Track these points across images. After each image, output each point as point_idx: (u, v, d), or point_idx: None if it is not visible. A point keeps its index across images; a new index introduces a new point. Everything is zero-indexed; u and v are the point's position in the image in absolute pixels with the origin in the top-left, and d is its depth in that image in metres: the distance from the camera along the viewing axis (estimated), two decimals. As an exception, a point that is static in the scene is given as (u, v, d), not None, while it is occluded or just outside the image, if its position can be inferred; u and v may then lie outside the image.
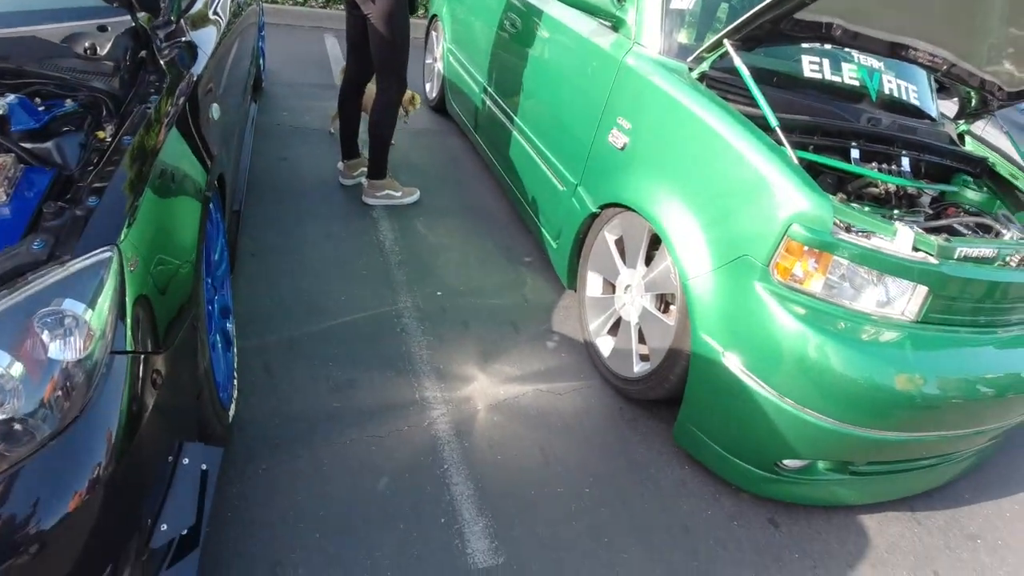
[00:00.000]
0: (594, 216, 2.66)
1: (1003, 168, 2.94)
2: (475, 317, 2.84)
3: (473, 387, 2.44)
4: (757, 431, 2.04)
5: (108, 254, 1.24)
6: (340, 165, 3.75)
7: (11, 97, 1.56)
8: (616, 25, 2.66)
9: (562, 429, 2.35)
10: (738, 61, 2.17)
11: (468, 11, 4.35)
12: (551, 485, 2.13)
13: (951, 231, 2.46)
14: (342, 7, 7.49)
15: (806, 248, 1.85)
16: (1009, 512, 2.73)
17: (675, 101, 2.26)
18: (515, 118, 3.45)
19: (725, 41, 2.20)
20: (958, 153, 2.86)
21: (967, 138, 3.10)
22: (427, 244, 3.33)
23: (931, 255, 1.94)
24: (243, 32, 3.25)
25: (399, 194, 3.60)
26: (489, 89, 3.85)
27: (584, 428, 2.38)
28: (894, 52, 2.46)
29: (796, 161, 1.96)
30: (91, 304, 1.19)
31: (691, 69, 2.37)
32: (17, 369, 1.12)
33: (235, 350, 2.25)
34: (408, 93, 3.81)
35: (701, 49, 2.31)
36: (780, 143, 2.04)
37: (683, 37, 2.52)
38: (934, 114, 3.07)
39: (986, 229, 2.50)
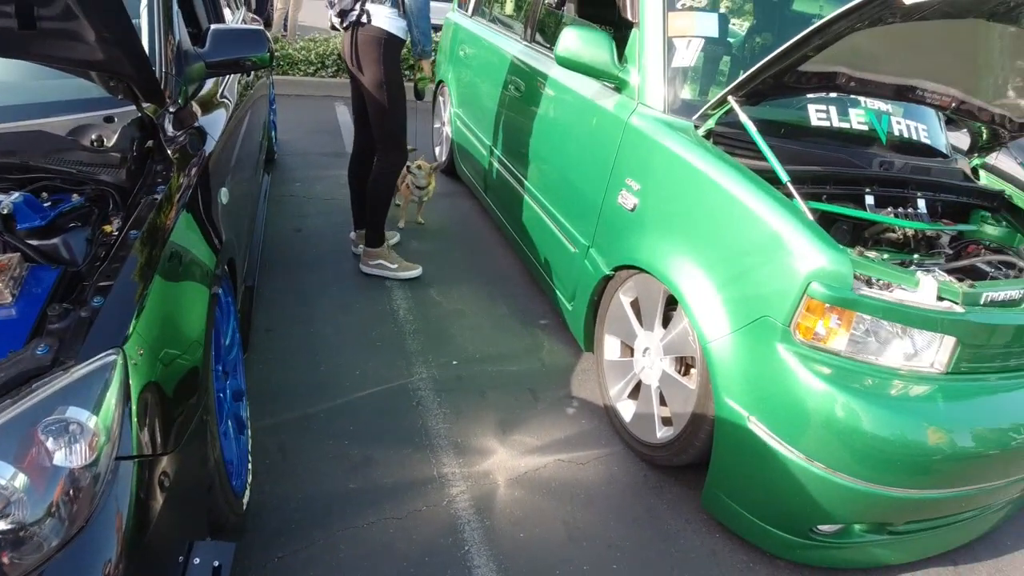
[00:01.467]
0: (608, 278, 2.62)
1: (1021, 200, 2.88)
2: (492, 385, 2.79)
3: (493, 460, 2.37)
4: (788, 497, 1.96)
5: (113, 357, 1.22)
6: (352, 235, 3.76)
7: (16, 195, 1.56)
8: (619, 86, 2.67)
9: (586, 501, 2.27)
10: (744, 117, 2.16)
11: (473, 76, 4.42)
12: (577, 562, 2.04)
13: (974, 270, 2.40)
14: (351, 75, 7.72)
15: (827, 306, 1.80)
16: (1055, 560, 2.59)
17: (682, 160, 2.25)
18: (524, 180, 3.46)
19: (729, 98, 2.19)
20: (974, 189, 2.81)
21: (981, 172, 3.05)
22: (441, 310, 3.31)
23: (956, 303, 1.88)
24: (253, 107, 3.30)
25: (394, 266, 3.50)
26: (496, 152, 3.88)
27: (609, 499, 2.30)
28: (901, 95, 2.44)
29: (809, 215, 1.92)
30: (96, 410, 1.17)
31: (697, 127, 2.36)
32: (21, 480, 1.09)
33: (249, 432, 2.21)
34: (419, 163, 3.87)
35: (706, 107, 2.30)
36: (792, 197, 2.00)
37: (687, 94, 2.52)
38: (946, 151, 3.04)
39: (1010, 266, 2.44)
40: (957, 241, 2.68)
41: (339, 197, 4.47)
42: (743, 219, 2.00)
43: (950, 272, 2.41)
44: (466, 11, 4.93)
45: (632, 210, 2.46)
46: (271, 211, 4.10)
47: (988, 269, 2.45)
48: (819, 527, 2.00)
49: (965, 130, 3.20)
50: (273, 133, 5.02)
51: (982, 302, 1.93)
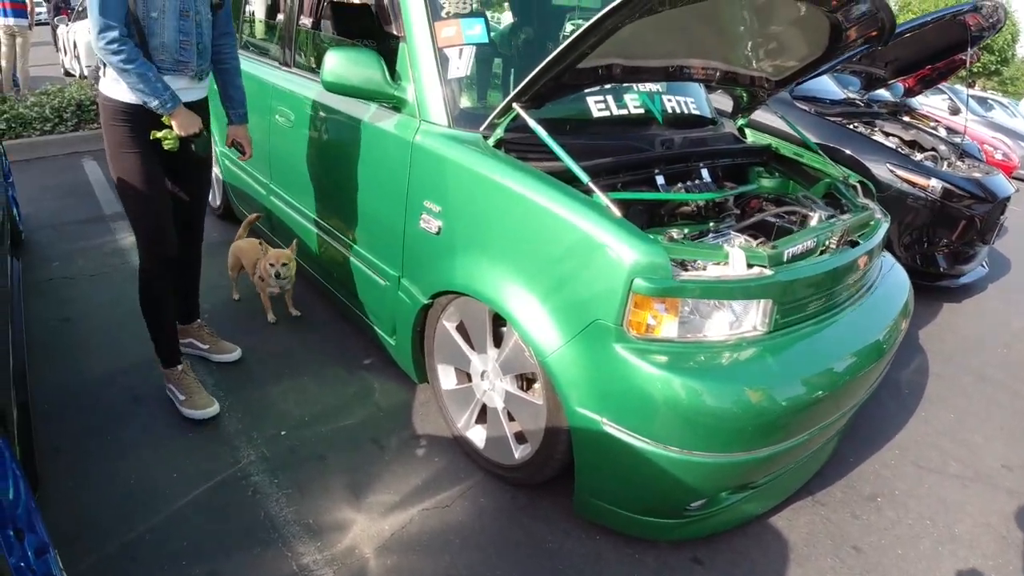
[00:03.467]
0: (427, 307, 2.49)
1: (787, 149, 3.14)
2: (330, 447, 2.56)
3: (353, 533, 2.17)
4: (655, 486, 1.97)
5: None
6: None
7: None
8: (397, 105, 2.54)
9: (462, 544, 2.15)
10: (532, 122, 2.12)
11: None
12: (468, 614, 1.92)
13: (764, 225, 2.57)
14: (96, 126, 6.88)
15: (653, 299, 1.81)
16: (892, 459, 2.88)
17: (478, 174, 2.17)
18: (315, 217, 3.23)
19: (514, 104, 2.14)
20: (745, 149, 3.01)
21: (747, 131, 3.29)
22: (253, 377, 3.00)
23: (765, 267, 1.96)
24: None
25: (182, 398, 2.67)
26: (277, 189, 3.59)
27: (484, 533, 2.20)
28: (672, 75, 2.54)
29: (616, 211, 1.91)
30: None
31: (486, 137, 2.29)
32: None
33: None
34: (273, 252, 3.29)
35: (492, 116, 2.24)
36: (592, 194, 1.99)
37: (469, 105, 2.44)
38: (712, 116, 3.24)
39: (792, 212, 2.63)
40: (741, 199, 2.85)
41: (107, 270, 3.95)
42: (552, 226, 1.96)
43: (743, 231, 2.55)
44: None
45: (438, 233, 2.35)
46: (29, 304, 3.52)
47: (774, 220, 2.63)
48: (690, 505, 2.04)
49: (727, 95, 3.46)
50: (16, 210, 4.31)
51: (786, 259, 2.04)
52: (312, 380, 2.98)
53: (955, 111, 9.99)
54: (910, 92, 6.10)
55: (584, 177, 1.99)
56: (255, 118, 3.58)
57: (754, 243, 2.44)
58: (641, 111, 2.71)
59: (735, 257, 1.93)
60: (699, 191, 2.57)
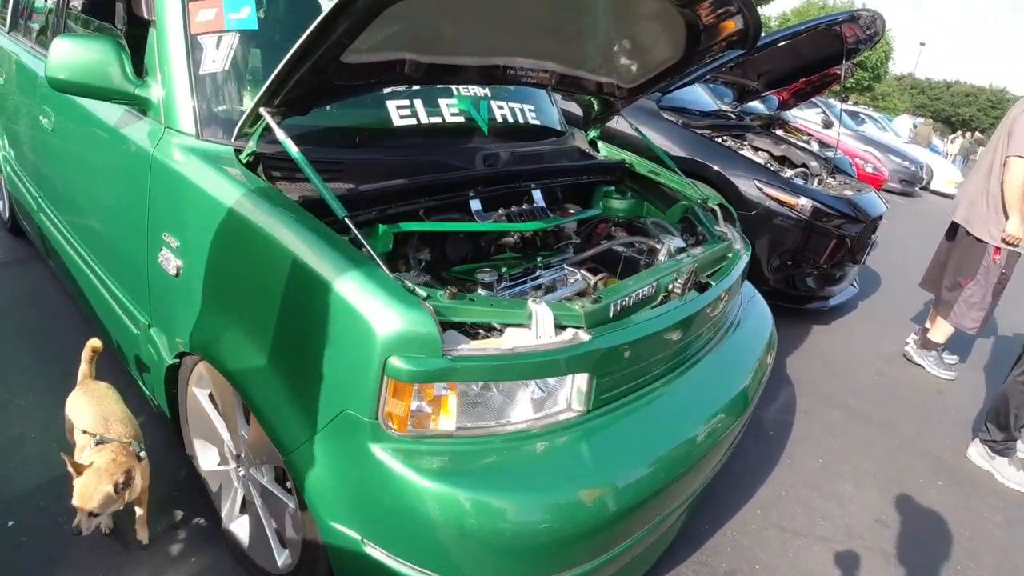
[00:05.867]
0: (176, 367, 1.93)
1: (642, 167, 2.75)
2: (69, 539, 1.94)
3: None
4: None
5: None
6: None
7: None
8: (143, 107, 1.95)
9: None
10: (280, 133, 1.59)
11: (13, 104, 3.32)
12: None
13: (609, 258, 2.16)
14: None
15: (416, 385, 1.32)
16: (753, 523, 2.54)
17: (215, 202, 1.62)
18: (73, 240, 2.58)
19: (262, 110, 1.61)
20: (592, 166, 2.60)
21: (600, 144, 2.89)
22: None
23: (581, 329, 1.52)
24: None
25: None
26: (43, 203, 2.91)
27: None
28: (488, 77, 2.07)
29: (380, 263, 1.41)
30: None
31: (240, 151, 1.75)
32: None
33: None
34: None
35: (240, 124, 1.70)
36: (351, 236, 1.48)
37: (224, 110, 1.89)
38: (561, 127, 2.81)
39: (642, 241, 2.24)
40: (584, 224, 2.43)
41: None
42: (295, 277, 1.45)
43: (581, 265, 2.13)
44: (3, 25, 3.73)
45: (176, 275, 1.79)
46: None
47: (622, 250, 2.22)
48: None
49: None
50: None
51: (612, 315, 1.61)
52: (62, 445, 2.32)
53: (828, 124, 10.14)
54: (784, 105, 5.94)
55: (339, 209, 1.48)
56: (27, 116, 2.90)
57: (592, 280, 2.02)
58: (460, 119, 2.23)
59: (540, 317, 1.47)
60: (528, 217, 2.13)
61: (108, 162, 2.13)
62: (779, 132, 5.70)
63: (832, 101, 13.08)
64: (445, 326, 1.37)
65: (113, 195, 2.11)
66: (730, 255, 2.26)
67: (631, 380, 1.67)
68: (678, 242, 2.20)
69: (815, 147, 5.61)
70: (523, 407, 1.49)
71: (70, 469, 1.57)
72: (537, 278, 2.00)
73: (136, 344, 2.13)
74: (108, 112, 2.10)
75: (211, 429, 1.91)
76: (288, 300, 1.47)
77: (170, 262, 1.80)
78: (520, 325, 1.47)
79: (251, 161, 1.73)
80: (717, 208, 2.54)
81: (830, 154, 5.22)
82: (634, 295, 1.70)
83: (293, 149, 1.56)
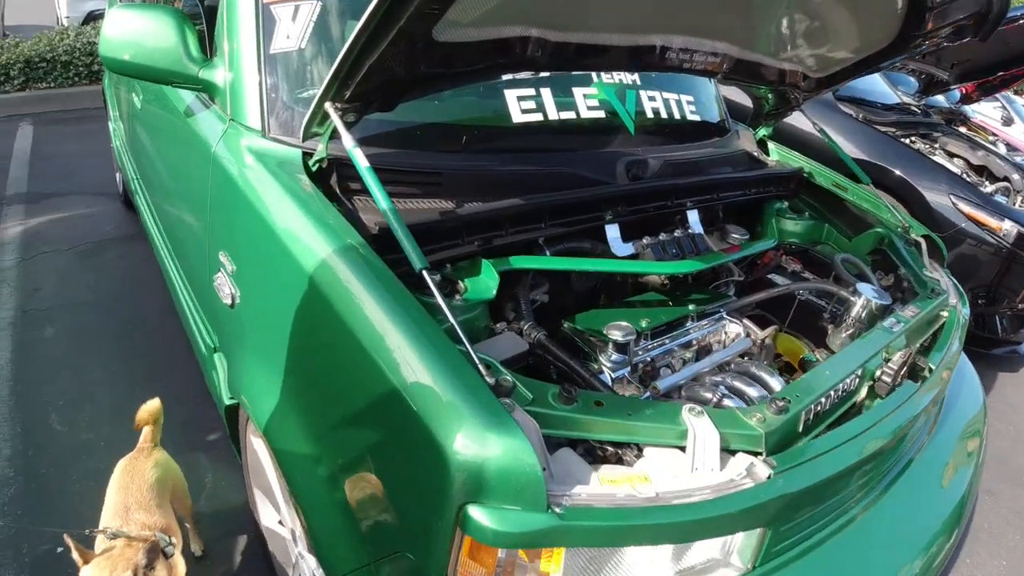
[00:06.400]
0: (236, 407, 1.58)
1: (823, 177, 2.15)
2: None
3: None
4: None
5: None
6: None
7: None
8: (210, 92, 1.61)
9: None
10: (349, 140, 1.16)
11: (118, 78, 3.16)
12: None
13: (779, 303, 1.63)
14: (44, 86, 6.09)
15: (503, 552, 0.87)
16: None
17: (268, 225, 1.24)
18: (157, 227, 2.33)
19: (327, 106, 1.19)
20: (766, 177, 2.04)
21: (771, 145, 2.30)
22: (59, 444, 2.14)
23: (758, 454, 1.01)
24: None
25: None
26: (139, 183, 2.70)
27: None
28: (640, 61, 1.55)
29: (467, 344, 0.95)
30: None
31: (309, 155, 1.35)
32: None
33: None
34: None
35: (305, 122, 1.28)
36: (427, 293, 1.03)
37: (299, 100, 1.49)
38: (727, 125, 2.25)
39: (825, 293, 1.69)
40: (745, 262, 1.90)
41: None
42: (351, 353, 1.02)
43: (742, 312, 1.61)
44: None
45: (232, 307, 1.43)
46: None
47: (809, 297, 1.69)
48: None
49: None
50: None
51: (801, 428, 1.09)
52: None
53: (1008, 122, 8.53)
54: (967, 99, 4.88)
55: (417, 259, 1.03)
56: (126, 91, 2.70)
57: (759, 335, 1.51)
58: (600, 114, 1.73)
59: (699, 439, 0.97)
60: (682, 249, 1.62)
61: (179, 153, 1.82)
62: (963, 130, 4.72)
63: (1011, 94, 11.16)
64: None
65: (183, 192, 1.80)
66: (944, 314, 1.65)
67: (817, 521, 1.15)
68: (877, 294, 1.61)
69: (1002, 149, 4.60)
70: (661, 564, 1.00)
71: (75, 555, 1.25)
72: (686, 332, 1.50)
73: (206, 363, 1.82)
74: (182, 95, 1.78)
75: (269, 488, 1.56)
76: (344, 381, 1.06)
77: (225, 289, 1.44)
78: (664, 447, 0.99)
79: (323, 167, 1.33)
80: (922, 240, 1.92)
81: (1019, 159, 4.22)
82: (831, 391, 1.17)
83: (362, 163, 1.13)
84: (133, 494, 1.46)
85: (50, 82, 6.14)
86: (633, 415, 0.99)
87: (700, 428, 0.97)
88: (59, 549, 1.82)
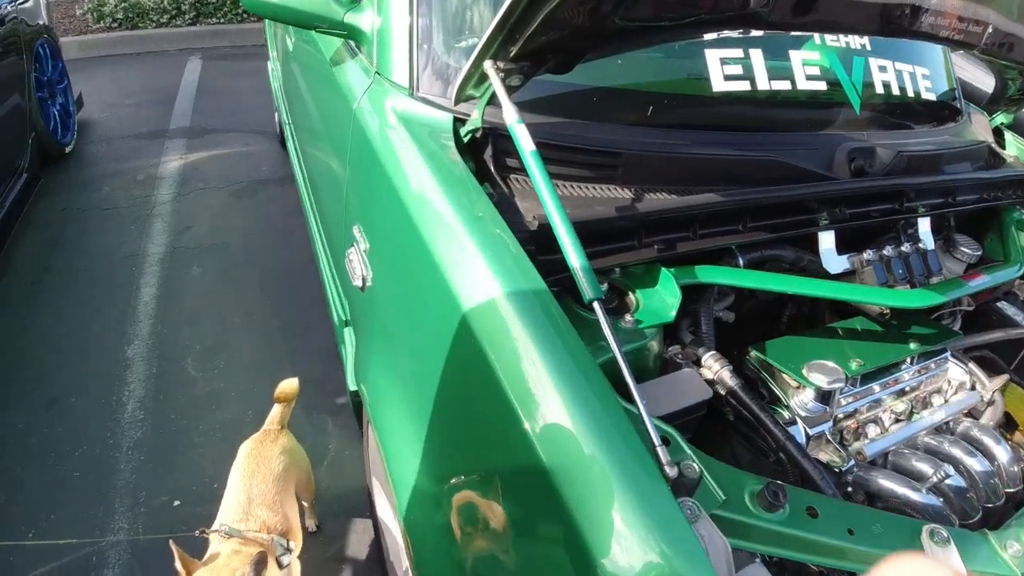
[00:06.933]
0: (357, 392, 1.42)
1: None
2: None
3: None
4: None
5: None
6: None
7: None
8: (357, 40, 1.41)
9: None
10: (512, 113, 0.92)
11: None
12: None
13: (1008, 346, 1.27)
14: (214, 21, 6.28)
15: None
16: None
17: (405, 206, 1.03)
18: (303, 176, 2.22)
19: (487, 66, 0.94)
20: (1013, 178, 1.60)
21: (1007, 136, 1.83)
22: (189, 397, 2.13)
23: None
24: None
25: None
26: (291, 128, 2.61)
27: None
28: (890, 25, 1.18)
29: (643, 410, 0.70)
30: None
31: (462, 121, 1.12)
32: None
33: None
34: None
35: (459, 83, 1.05)
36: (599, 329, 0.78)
37: (453, 59, 1.25)
38: (960, 106, 1.81)
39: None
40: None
41: (125, 204, 3.22)
42: (496, 404, 0.79)
43: (967, 354, 1.27)
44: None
45: (362, 289, 1.25)
46: (20, 239, 2.88)
47: None
48: None
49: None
50: (54, 114, 3.67)
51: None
52: (257, 419, 1.97)
53: None
54: None
55: (590, 287, 0.78)
56: (282, 28, 2.61)
57: (988, 386, 1.17)
58: (819, 85, 1.38)
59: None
60: (903, 268, 1.27)
61: (323, 105, 1.66)
62: None
63: None
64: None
65: (325, 148, 1.64)
66: None
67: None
68: None
69: None
70: None
71: (177, 565, 1.13)
72: (900, 377, 1.18)
73: (337, 333, 1.68)
74: (330, 40, 1.61)
75: (386, 482, 1.40)
76: (477, 431, 0.84)
77: (356, 268, 1.26)
78: None
79: (477, 138, 1.10)
80: None
81: None
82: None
83: (527, 146, 0.89)
84: (257, 484, 1.34)
85: (219, 17, 6.30)
86: (856, 535, 0.71)
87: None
88: (176, 503, 1.78)
